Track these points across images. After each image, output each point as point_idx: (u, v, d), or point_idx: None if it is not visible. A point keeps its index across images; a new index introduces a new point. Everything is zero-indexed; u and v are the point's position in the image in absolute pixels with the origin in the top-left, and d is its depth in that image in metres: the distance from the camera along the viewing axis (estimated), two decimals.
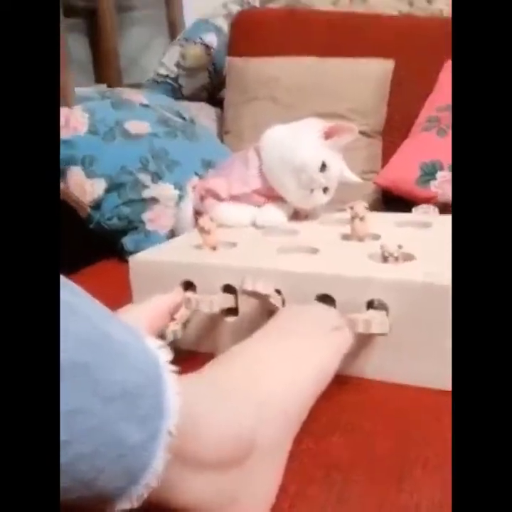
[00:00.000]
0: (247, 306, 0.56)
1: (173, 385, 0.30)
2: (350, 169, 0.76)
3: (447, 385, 0.49)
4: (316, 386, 0.42)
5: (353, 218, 0.63)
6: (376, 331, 0.48)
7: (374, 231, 0.64)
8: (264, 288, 0.50)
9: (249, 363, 0.41)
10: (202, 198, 0.77)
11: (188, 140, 1.11)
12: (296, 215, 0.77)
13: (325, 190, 0.73)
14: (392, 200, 1.23)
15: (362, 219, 0.62)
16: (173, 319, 0.55)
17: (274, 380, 0.40)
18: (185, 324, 0.57)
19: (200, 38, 1.35)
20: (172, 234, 0.89)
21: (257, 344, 0.44)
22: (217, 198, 0.75)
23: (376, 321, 0.48)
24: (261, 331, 0.46)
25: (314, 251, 0.61)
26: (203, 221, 0.60)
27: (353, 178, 0.76)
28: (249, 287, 0.50)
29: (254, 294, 0.51)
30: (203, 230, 0.60)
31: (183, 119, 1.17)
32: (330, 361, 0.44)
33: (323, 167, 0.70)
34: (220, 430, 0.34)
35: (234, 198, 0.75)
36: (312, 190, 0.71)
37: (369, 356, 0.51)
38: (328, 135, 0.71)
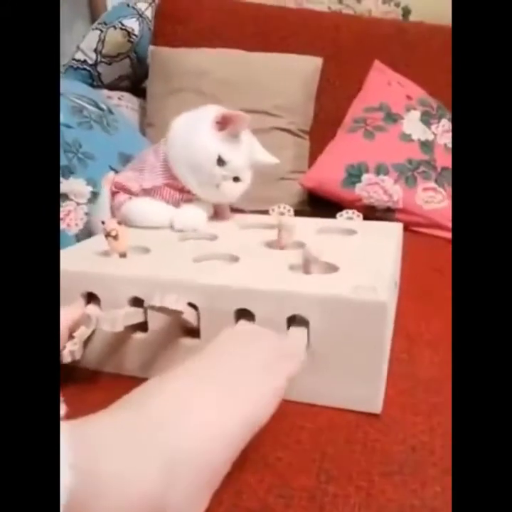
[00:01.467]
0: (157, 321, 0.50)
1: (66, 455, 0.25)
2: (276, 167, 0.72)
3: (375, 407, 0.46)
4: (245, 435, 0.35)
5: (279, 230, 0.59)
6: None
7: (297, 238, 0.60)
8: (175, 303, 0.45)
9: (166, 405, 0.33)
10: (113, 194, 0.70)
11: (105, 132, 1.03)
12: (218, 211, 0.73)
13: (235, 179, 0.68)
14: (318, 201, 1.21)
15: (288, 230, 0.59)
16: (71, 337, 0.49)
17: (192, 429, 0.32)
18: (86, 342, 0.51)
19: (121, 23, 1.26)
20: (84, 234, 0.82)
21: (179, 380, 0.36)
22: (129, 192, 0.69)
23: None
24: (190, 360, 0.38)
25: (234, 259, 0.56)
26: (110, 225, 0.54)
27: (270, 159, 0.72)
28: (157, 303, 0.44)
29: (163, 310, 0.46)
30: (109, 235, 0.54)
31: (100, 109, 1.09)
32: (267, 403, 0.37)
33: (221, 161, 0.65)
34: (125, 489, 0.28)
35: (146, 192, 0.69)
36: (218, 185, 0.67)
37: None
38: (221, 126, 0.67)
